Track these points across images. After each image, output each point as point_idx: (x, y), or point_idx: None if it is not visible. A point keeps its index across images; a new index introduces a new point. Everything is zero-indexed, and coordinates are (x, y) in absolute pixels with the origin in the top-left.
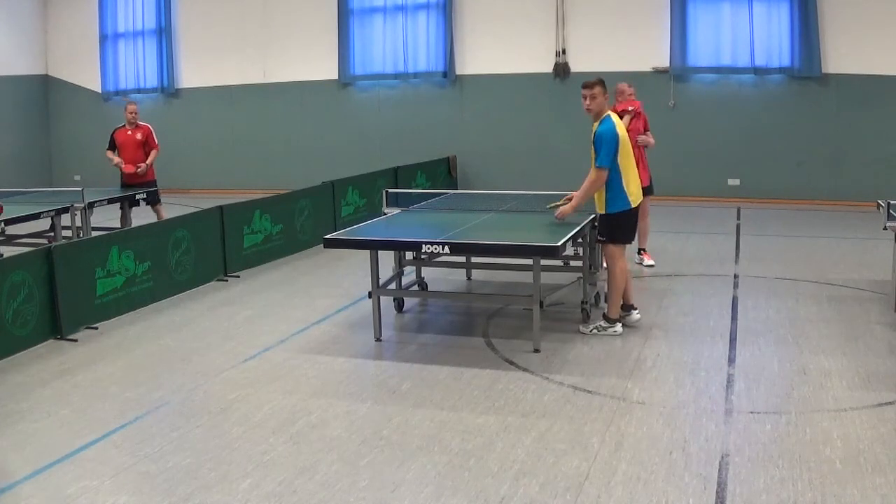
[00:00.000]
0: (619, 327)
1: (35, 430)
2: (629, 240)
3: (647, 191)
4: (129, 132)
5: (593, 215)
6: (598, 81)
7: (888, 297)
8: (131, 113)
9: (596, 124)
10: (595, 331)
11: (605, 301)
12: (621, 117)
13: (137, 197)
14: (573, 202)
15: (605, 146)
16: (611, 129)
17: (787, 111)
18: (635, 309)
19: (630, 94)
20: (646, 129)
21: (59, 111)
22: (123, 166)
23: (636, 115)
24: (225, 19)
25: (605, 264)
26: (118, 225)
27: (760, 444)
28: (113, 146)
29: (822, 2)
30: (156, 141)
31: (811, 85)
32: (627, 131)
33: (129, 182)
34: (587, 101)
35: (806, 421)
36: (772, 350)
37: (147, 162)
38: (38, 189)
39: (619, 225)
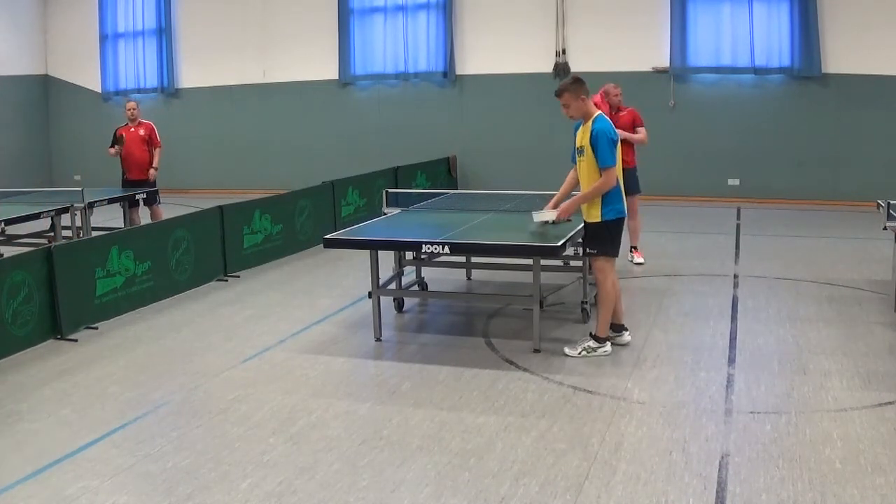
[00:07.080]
0: (608, 347)
1: (35, 430)
2: (618, 251)
3: (635, 189)
4: (133, 129)
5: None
6: (564, 89)
7: (888, 297)
8: (130, 110)
9: (589, 123)
10: (584, 353)
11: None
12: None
13: (137, 196)
14: (576, 200)
15: (607, 144)
16: (609, 128)
17: (787, 111)
18: (626, 330)
19: (616, 96)
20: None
21: (59, 111)
22: (113, 153)
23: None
24: (225, 19)
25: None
26: (120, 225)
27: (760, 444)
28: (114, 143)
29: (822, 2)
30: (158, 139)
31: (811, 85)
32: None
33: (131, 179)
34: (564, 110)
35: (806, 421)
36: (772, 350)
37: (155, 165)
38: (38, 189)
39: (615, 234)
